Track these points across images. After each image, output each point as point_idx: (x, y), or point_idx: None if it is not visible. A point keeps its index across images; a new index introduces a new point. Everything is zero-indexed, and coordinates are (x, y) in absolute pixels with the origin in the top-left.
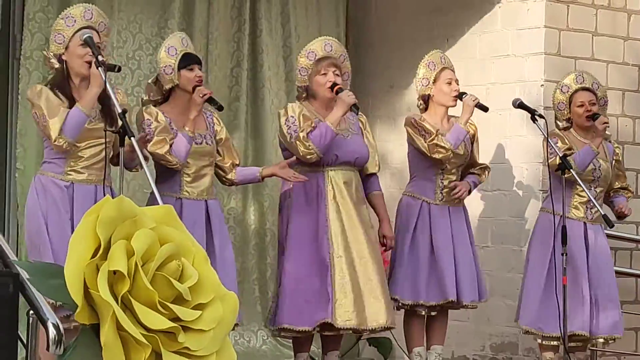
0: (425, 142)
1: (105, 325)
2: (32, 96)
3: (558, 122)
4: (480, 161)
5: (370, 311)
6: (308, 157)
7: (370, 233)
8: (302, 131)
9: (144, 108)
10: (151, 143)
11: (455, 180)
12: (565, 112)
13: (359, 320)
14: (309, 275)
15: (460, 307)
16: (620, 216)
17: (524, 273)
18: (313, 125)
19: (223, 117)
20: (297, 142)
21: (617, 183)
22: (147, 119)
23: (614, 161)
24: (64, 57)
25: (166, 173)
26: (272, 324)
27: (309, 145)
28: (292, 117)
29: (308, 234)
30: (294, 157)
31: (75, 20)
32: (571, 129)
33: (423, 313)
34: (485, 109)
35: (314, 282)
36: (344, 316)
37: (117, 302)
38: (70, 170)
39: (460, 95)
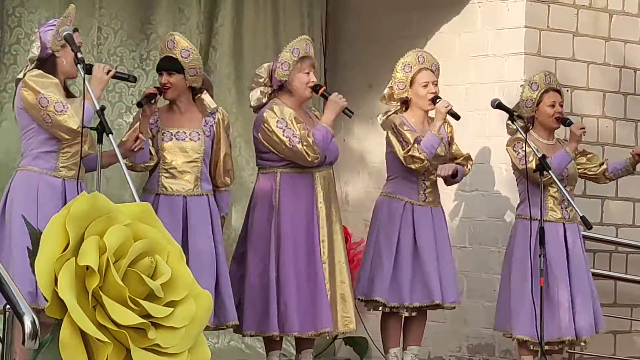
0: (402, 151)
1: (64, 323)
2: (38, 82)
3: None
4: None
5: (341, 315)
6: (316, 161)
7: (341, 233)
8: (308, 136)
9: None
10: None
11: (436, 181)
12: (531, 110)
13: (333, 325)
14: (305, 279)
15: (439, 307)
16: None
17: (504, 280)
18: (307, 128)
19: None
20: (304, 146)
21: (595, 161)
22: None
23: (578, 155)
24: (57, 54)
25: (152, 171)
26: (261, 329)
27: (317, 149)
28: (283, 119)
29: (304, 239)
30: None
31: (70, 20)
32: (531, 131)
33: (406, 314)
34: (457, 117)
35: (310, 287)
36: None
37: (87, 297)
38: (62, 167)
39: (434, 99)
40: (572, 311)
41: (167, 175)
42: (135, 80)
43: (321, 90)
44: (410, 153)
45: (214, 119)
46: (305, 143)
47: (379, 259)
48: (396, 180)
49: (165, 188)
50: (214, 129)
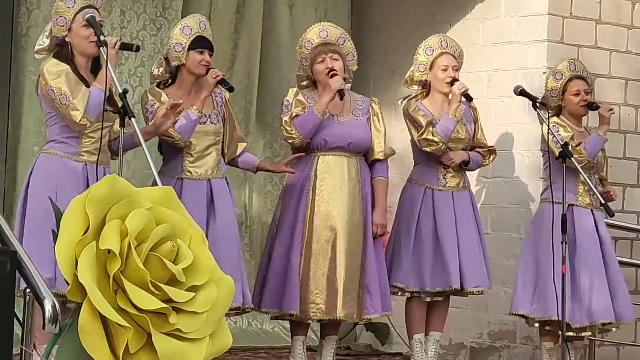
0: (417, 134)
1: (83, 307)
2: (50, 71)
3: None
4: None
5: (333, 303)
6: (290, 141)
7: (360, 222)
8: (286, 115)
9: (147, 90)
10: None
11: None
12: (557, 99)
13: (326, 313)
14: (288, 260)
15: (467, 293)
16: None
17: (524, 263)
18: (304, 110)
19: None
20: (282, 126)
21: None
22: (151, 100)
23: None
24: (67, 39)
25: (170, 155)
26: (257, 307)
27: (291, 130)
28: (287, 101)
29: (292, 219)
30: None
31: (74, 1)
32: (561, 116)
33: (428, 299)
34: (469, 98)
35: (290, 268)
36: (312, 307)
37: (108, 281)
38: (84, 152)
39: (452, 82)
40: (606, 296)
41: (191, 159)
42: (138, 49)
43: (330, 74)
44: (424, 136)
45: (222, 99)
46: (284, 121)
47: (398, 244)
48: (419, 165)
49: (190, 172)
50: (223, 108)
